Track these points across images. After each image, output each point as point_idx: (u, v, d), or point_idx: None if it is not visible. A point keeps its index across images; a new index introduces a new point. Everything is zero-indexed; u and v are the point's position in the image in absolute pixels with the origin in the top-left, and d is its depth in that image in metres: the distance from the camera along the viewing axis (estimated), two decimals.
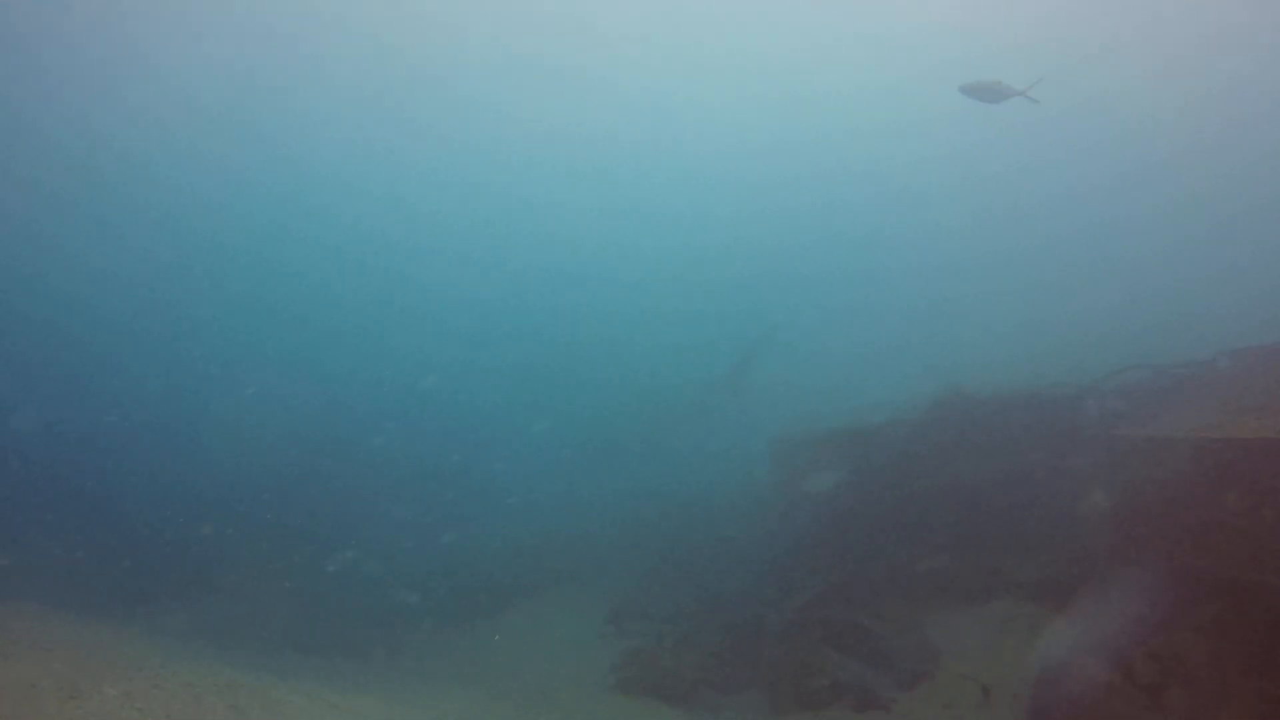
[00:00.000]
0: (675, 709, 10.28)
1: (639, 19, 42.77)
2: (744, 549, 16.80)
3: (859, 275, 46.55)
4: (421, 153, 49.40)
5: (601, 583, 18.26)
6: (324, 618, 17.08)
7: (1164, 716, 5.10)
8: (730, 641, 11.75)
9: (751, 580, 14.50)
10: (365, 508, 24.90)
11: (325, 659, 12.49)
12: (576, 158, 51.71)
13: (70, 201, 42.30)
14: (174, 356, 38.80)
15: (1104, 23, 40.80)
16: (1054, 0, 39.56)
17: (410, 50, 41.29)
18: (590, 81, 46.83)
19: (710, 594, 14.86)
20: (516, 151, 50.55)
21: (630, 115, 49.97)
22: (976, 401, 11.83)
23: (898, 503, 11.58)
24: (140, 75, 36.11)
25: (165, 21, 33.34)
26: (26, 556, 18.05)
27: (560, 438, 29.97)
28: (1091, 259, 38.30)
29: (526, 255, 51.48)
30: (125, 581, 18.15)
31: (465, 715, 9.66)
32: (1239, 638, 5.34)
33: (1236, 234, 37.61)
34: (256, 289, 46.38)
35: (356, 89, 42.93)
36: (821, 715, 9.24)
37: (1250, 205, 39.33)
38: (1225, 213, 39.41)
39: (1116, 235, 40.74)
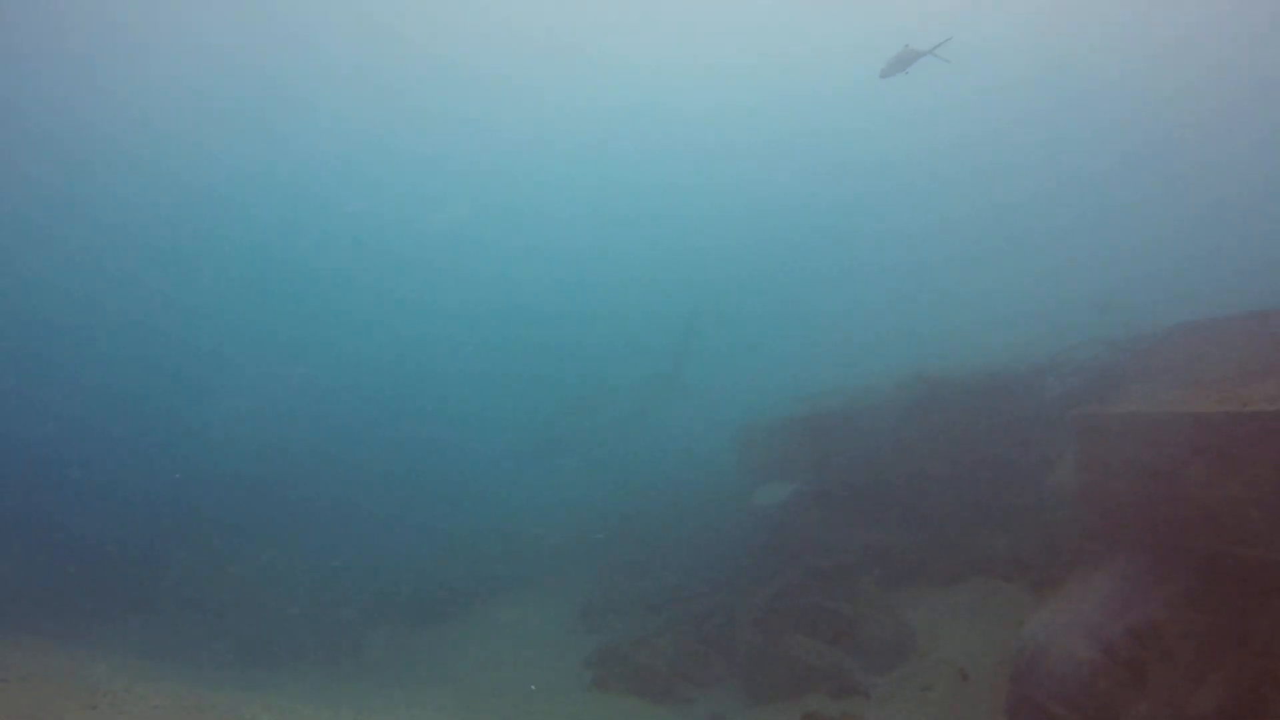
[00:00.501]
0: (655, 705, 10.21)
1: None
2: (712, 540, 16.83)
3: (815, 271, 46.83)
4: (360, 159, 48.11)
5: (569, 580, 18.14)
6: (285, 627, 16.67)
7: (1146, 692, 5.15)
8: (704, 634, 11.72)
9: (721, 571, 14.50)
10: (322, 514, 24.38)
11: (291, 670, 12.15)
12: (536, 162, 51.11)
13: (45, 197, 40.35)
14: (126, 362, 37.58)
15: (1093, 16, 41.76)
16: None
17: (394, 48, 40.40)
18: (526, 87, 46.29)
19: (680, 587, 14.85)
20: (477, 155, 49.74)
21: (596, 120, 49.61)
22: (939, 383, 11.93)
23: (865, 487, 11.63)
24: (128, 63, 34.64)
25: (157, 10, 32.02)
26: None
27: (513, 439, 29.68)
28: (1050, 248, 38.98)
29: (488, 258, 50.68)
30: (75, 601, 17.47)
31: None
32: (1214, 610, 5.42)
33: (1186, 216, 38.64)
34: (223, 294, 44.98)
35: (344, 85, 41.78)
36: (799, 703, 9.23)
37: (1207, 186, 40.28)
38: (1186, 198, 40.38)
39: (1078, 226, 41.45)
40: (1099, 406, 7.54)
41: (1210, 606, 5.40)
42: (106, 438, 29.05)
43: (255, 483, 25.17)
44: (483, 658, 13.41)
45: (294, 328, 43.60)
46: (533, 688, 11.21)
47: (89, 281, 41.22)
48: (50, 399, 31.06)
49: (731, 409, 20.91)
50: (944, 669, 8.59)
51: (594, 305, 48.60)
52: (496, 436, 30.66)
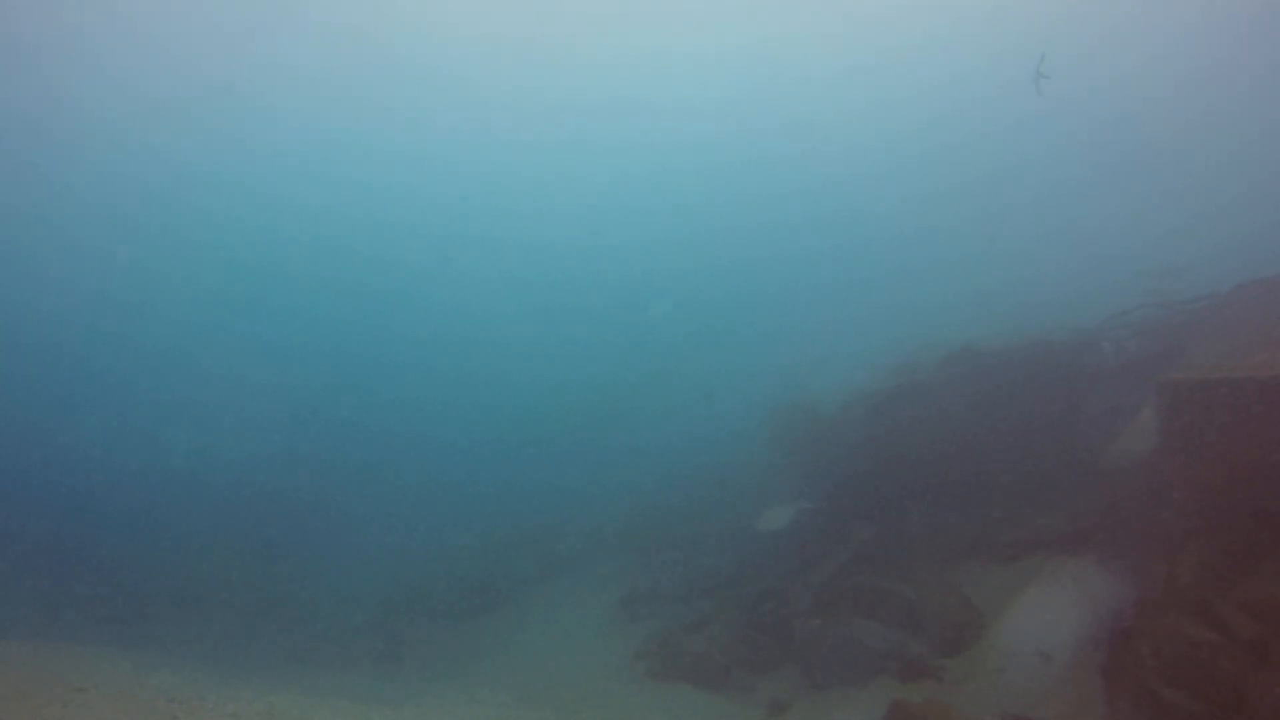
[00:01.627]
0: (713, 694, 9.98)
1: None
2: (748, 524, 16.55)
3: (824, 253, 45.73)
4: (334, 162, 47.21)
5: (603, 568, 17.93)
6: (322, 626, 16.58)
7: (1273, 672, 4.84)
8: (756, 619, 11.46)
9: (764, 555, 14.23)
10: (341, 516, 24.15)
11: (341, 672, 12.01)
12: (525, 160, 50.17)
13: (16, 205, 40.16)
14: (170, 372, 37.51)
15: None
16: None
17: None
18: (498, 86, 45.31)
19: (722, 572, 14.60)
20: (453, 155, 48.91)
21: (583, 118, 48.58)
22: (987, 355, 11.56)
23: (917, 464, 11.31)
24: (93, 66, 34.19)
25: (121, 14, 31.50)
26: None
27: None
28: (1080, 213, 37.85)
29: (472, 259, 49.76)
30: (109, 605, 17.47)
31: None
32: None
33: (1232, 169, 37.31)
34: (230, 300, 44.71)
35: (324, 86, 41.21)
36: (866, 688, 8.97)
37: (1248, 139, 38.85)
38: (1218, 151, 39.00)
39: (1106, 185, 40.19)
40: (1184, 372, 7.17)
41: None
42: (147, 440, 28.93)
43: (270, 491, 25.01)
44: (529, 651, 13.24)
45: (290, 333, 43.20)
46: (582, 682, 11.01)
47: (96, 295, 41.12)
48: (95, 409, 30.97)
49: (761, 389, 20.59)
50: (1018, 650, 8.30)
51: (591, 301, 47.74)
52: (507, 430, 30.25)
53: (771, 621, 11.04)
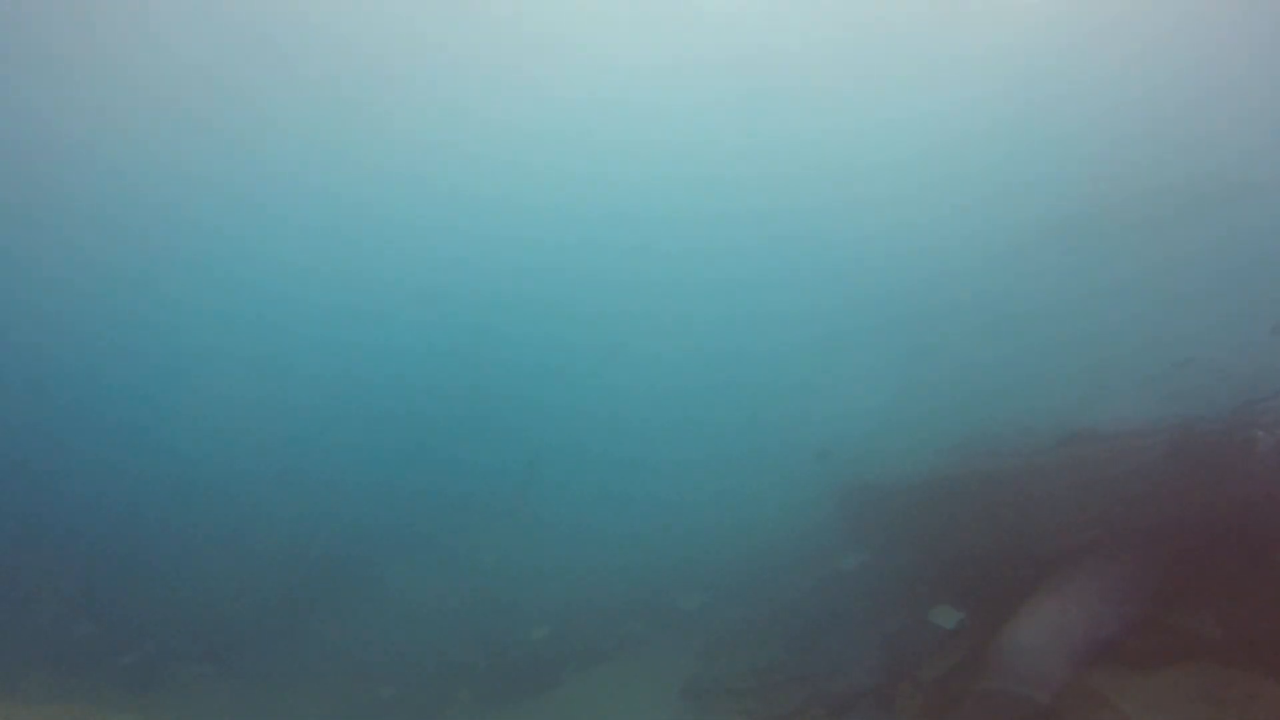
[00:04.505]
0: None
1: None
2: (819, 608, 15.34)
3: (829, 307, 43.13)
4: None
5: (652, 651, 16.71)
6: (353, 697, 15.39)
7: None
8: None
9: (845, 641, 13.05)
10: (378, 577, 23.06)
11: None
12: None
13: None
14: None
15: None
16: None
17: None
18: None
19: (798, 663, 13.39)
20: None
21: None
22: (1112, 440, 10.65)
23: (1037, 555, 10.28)
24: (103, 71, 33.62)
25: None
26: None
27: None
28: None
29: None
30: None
31: None
32: None
33: None
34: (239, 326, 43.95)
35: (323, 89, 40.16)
36: None
37: None
38: None
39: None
40: None
41: None
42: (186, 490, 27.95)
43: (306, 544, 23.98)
44: None
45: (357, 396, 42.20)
46: None
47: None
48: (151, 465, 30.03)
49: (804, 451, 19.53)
50: None
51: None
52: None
53: None
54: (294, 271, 46.10)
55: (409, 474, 30.05)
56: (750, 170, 46.65)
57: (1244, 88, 36.46)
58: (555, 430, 34.62)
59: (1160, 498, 9.50)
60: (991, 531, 11.13)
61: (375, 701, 15.64)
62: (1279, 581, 8.64)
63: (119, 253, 42.04)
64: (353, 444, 34.26)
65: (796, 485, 19.87)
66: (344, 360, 43.68)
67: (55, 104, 33.33)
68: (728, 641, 15.56)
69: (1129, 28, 37.98)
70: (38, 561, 19.83)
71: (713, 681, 13.58)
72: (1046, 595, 9.66)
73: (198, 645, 17.37)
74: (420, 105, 41.46)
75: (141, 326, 43.02)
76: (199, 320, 44.00)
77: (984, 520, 11.03)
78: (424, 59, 38.39)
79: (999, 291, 30.91)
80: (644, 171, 47.39)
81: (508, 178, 46.72)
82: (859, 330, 35.79)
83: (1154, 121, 36.86)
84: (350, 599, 20.38)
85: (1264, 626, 8.41)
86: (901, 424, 18.02)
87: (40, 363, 38.84)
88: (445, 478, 29.93)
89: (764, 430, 26.93)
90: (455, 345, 45.19)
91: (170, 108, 36.29)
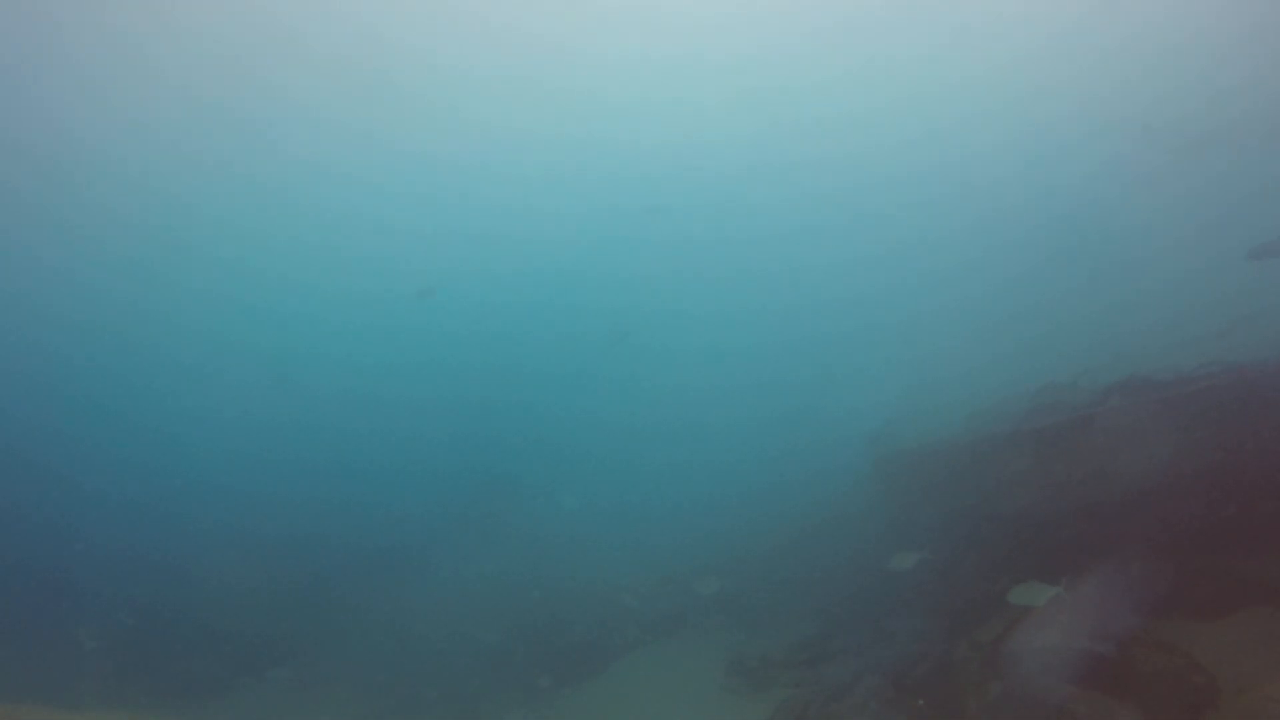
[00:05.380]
0: None
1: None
2: (865, 576, 15.17)
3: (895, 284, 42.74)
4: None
5: (699, 627, 16.62)
6: (407, 692, 15.38)
7: None
8: (910, 685, 10.14)
9: (894, 603, 12.90)
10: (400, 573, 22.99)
11: None
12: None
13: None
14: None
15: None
16: None
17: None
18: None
19: (845, 631, 13.26)
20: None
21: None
22: (1166, 386, 10.40)
23: (1088, 506, 10.09)
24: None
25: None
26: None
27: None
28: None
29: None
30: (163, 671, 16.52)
31: None
32: None
33: None
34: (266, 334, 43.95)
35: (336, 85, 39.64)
36: None
37: None
38: None
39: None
40: None
41: None
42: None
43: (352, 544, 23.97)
44: None
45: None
46: None
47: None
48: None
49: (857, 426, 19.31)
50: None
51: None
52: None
53: (937, 688, 9.72)
54: (335, 264, 45.70)
55: (459, 459, 30.06)
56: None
57: None
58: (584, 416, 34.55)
59: (1217, 445, 9.28)
60: (1042, 489, 10.94)
61: (423, 700, 15.59)
62: None
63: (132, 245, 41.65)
64: (392, 433, 34.28)
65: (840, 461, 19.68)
66: (399, 351, 43.52)
67: (66, 93, 32.90)
68: (769, 619, 15.47)
69: None
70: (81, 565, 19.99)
71: (759, 654, 13.47)
72: (1107, 549, 9.48)
73: (264, 650, 17.37)
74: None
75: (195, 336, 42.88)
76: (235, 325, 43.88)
77: (1037, 477, 10.85)
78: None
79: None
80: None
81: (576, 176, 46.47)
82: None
83: None
84: (397, 585, 20.34)
85: None
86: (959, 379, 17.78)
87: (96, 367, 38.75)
88: (496, 462, 29.96)
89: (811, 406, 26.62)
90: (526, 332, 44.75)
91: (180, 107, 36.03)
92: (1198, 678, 7.92)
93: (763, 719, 11.03)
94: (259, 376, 37.68)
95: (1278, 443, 9.07)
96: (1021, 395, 13.10)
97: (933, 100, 43.35)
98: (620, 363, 40.64)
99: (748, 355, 40.60)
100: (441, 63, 38.68)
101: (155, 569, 21.28)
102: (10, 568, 20.68)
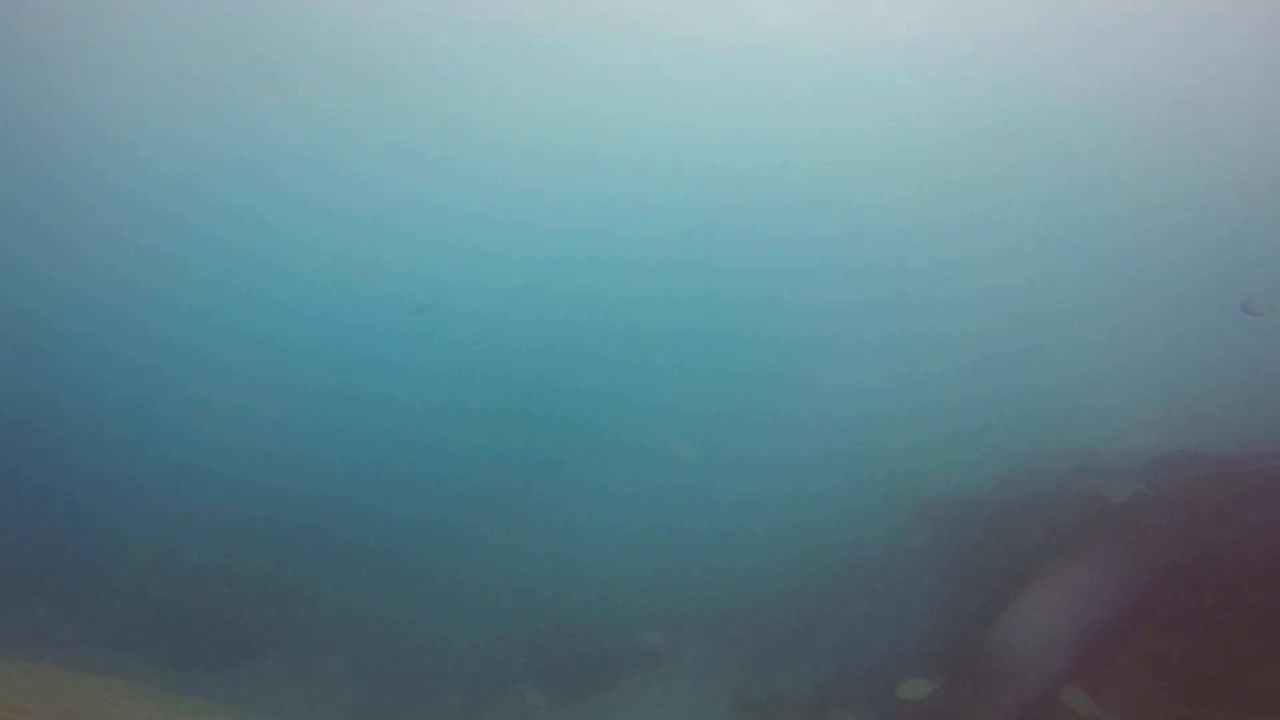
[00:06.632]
0: None
1: None
2: (877, 613, 14.41)
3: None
4: None
5: (698, 657, 16.01)
6: (405, 690, 15.09)
7: None
8: None
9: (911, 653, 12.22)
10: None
11: None
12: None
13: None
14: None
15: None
16: None
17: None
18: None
19: (856, 672, 12.59)
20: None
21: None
22: (1218, 463, 9.68)
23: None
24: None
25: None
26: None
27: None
28: None
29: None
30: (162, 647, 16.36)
31: None
32: None
33: None
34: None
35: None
36: None
37: None
38: None
39: None
40: None
41: None
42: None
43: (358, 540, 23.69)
44: None
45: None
46: None
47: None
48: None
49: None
50: None
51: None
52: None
53: None
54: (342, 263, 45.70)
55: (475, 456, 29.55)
56: None
57: None
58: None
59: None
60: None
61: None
62: None
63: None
64: (396, 433, 33.88)
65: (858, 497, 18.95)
66: (406, 350, 43.36)
67: (58, 89, 32.69)
68: (777, 651, 14.84)
69: None
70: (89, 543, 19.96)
71: (766, 693, 12.92)
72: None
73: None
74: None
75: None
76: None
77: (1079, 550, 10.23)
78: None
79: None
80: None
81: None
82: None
83: None
84: (398, 586, 20.03)
85: None
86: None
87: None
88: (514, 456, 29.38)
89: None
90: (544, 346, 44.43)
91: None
92: None
93: None
94: (276, 361, 37.33)
95: None
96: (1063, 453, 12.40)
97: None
98: (653, 387, 40.05)
99: (785, 388, 39.56)
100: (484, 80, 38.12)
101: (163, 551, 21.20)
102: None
